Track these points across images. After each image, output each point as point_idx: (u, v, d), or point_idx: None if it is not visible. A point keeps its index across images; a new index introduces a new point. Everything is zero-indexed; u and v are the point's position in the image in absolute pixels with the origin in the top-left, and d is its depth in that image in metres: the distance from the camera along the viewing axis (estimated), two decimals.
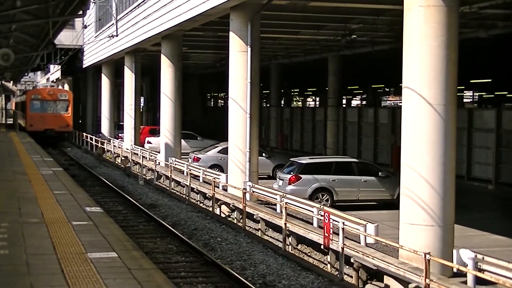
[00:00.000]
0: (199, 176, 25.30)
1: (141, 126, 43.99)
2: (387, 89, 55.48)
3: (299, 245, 16.63)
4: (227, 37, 22.08)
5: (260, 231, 18.65)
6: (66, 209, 12.92)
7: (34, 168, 20.56)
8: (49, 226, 11.04)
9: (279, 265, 14.50)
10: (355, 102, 63.25)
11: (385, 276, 13.03)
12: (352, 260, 13.76)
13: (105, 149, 41.23)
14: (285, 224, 16.30)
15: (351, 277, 13.91)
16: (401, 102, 14.87)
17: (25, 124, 49.28)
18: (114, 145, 40.10)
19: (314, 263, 15.38)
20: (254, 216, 18.94)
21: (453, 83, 12.85)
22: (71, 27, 45.51)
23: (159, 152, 32.27)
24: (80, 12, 20.53)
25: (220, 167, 27.76)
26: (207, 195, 23.34)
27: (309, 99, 71.59)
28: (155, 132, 41.47)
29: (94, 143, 43.75)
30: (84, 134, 48.53)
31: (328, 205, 19.83)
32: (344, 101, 53.80)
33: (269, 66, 45.19)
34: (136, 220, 19.82)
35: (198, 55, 42.09)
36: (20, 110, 58.25)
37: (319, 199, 20.74)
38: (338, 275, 13.81)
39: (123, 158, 35.35)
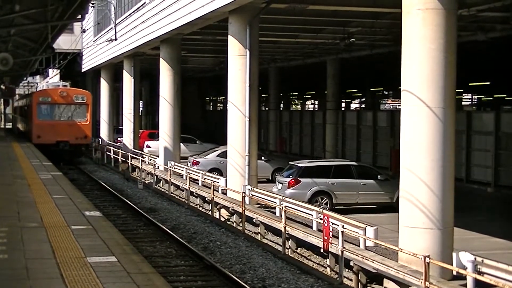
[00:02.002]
0: (198, 180, 25.29)
1: (140, 130, 43.97)
2: (386, 92, 55.54)
3: (299, 248, 16.62)
4: (226, 41, 22.09)
5: (259, 234, 18.65)
6: (65, 213, 12.90)
7: (33, 172, 20.55)
8: (48, 231, 11.02)
9: (278, 268, 14.49)
10: (354, 105, 63.30)
11: (384, 279, 13.03)
12: (351, 263, 13.77)
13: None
14: (285, 227, 16.30)
15: (351, 280, 13.91)
16: (400, 105, 14.88)
17: (29, 134, 38.71)
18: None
19: (313, 267, 15.38)
20: (254, 220, 18.94)
21: (452, 86, 12.86)
22: (70, 31, 45.44)
23: (158, 156, 32.27)
24: (79, 16, 20.53)
25: (219, 171, 27.76)
26: (206, 199, 23.33)
27: (308, 103, 71.64)
28: (154, 136, 41.46)
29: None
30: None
31: (327, 208, 19.84)
32: (343, 104, 53.85)
33: (268, 70, 45.20)
34: (136, 224, 19.81)
35: (197, 58, 42.12)
36: (22, 115, 48.60)
37: (319, 203, 20.73)
38: (337, 279, 13.80)
39: (121, 161, 35.32)
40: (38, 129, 36.84)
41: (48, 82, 52.48)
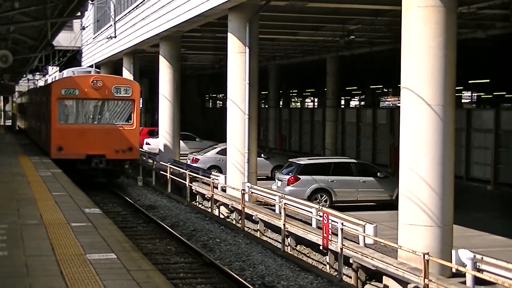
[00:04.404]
0: (198, 177, 25.27)
1: (139, 127, 43.85)
2: (386, 90, 55.53)
3: (298, 245, 16.64)
4: (226, 38, 22.09)
5: (259, 232, 18.65)
6: (65, 210, 12.90)
7: (33, 170, 20.54)
8: (48, 228, 11.03)
9: (278, 265, 14.51)
10: (353, 103, 63.29)
11: (384, 277, 13.04)
12: (351, 261, 13.77)
13: None
14: (284, 225, 16.30)
15: (350, 277, 13.92)
16: (399, 103, 14.88)
17: (46, 145, 26.79)
18: None
19: (313, 264, 15.39)
20: (253, 217, 18.94)
21: (452, 83, 12.86)
22: (70, 28, 45.40)
23: (157, 154, 32.26)
24: (78, 14, 20.59)
25: (219, 168, 27.77)
26: (206, 196, 23.31)
27: (307, 100, 71.60)
28: (154, 133, 41.43)
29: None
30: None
31: (327, 205, 19.85)
32: (342, 102, 53.86)
33: (267, 67, 45.20)
34: (135, 221, 19.81)
35: (196, 56, 42.11)
36: (29, 115, 38.91)
37: (318, 200, 20.75)
38: (337, 276, 13.81)
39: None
40: (59, 138, 24.81)
41: (46, 80, 44.45)
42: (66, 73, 29.09)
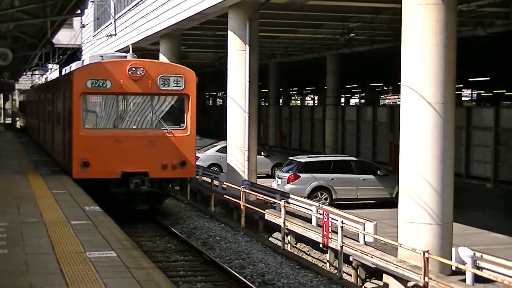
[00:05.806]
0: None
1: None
2: (386, 88, 55.53)
3: (298, 243, 16.64)
4: (226, 36, 22.08)
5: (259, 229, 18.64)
6: (65, 208, 12.89)
7: (33, 168, 20.54)
8: (48, 226, 11.02)
9: (278, 263, 14.51)
10: (353, 101, 63.29)
11: (384, 275, 13.04)
12: (351, 259, 13.79)
13: None
14: (284, 222, 16.31)
15: (350, 275, 13.93)
16: (399, 101, 14.88)
17: (65, 159, 19.32)
18: None
19: (313, 262, 15.39)
20: (253, 215, 18.93)
21: (452, 81, 12.86)
22: (69, 26, 45.32)
23: None
24: (78, 11, 20.52)
25: (219, 166, 27.77)
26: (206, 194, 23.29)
27: (307, 98, 71.60)
28: None
29: None
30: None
31: (327, 203, 19.84)
32: (342, 100, 53.86)
33: (267, 65, 45.18)
34: (135, 219, 19.77)
35: (196, 54, 42.08)
36: (35, 116, 31.88)
37: (318, 198, 20.76)
38: (337, 274, 13.81)
39: None
40: (84, 149, 17.76)
41: (46, 78, 42.61)
42: (90, 59, 20.91)
